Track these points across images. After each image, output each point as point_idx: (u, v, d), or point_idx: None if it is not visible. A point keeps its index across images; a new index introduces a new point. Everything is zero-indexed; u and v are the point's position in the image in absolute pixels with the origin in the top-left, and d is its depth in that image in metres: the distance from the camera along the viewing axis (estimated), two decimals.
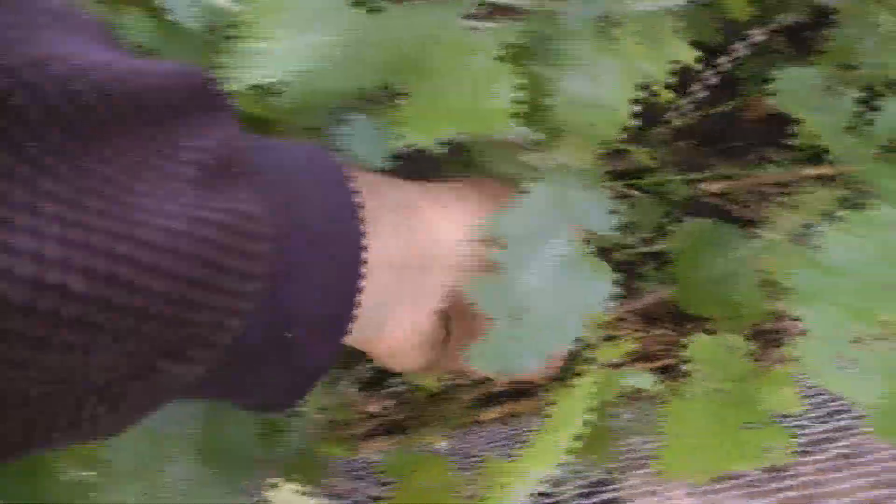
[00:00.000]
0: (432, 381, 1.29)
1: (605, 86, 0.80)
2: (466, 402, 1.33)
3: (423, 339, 0.71)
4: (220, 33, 0.76)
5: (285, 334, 0.50)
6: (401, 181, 0.69)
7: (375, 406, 1.34)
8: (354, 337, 0.59)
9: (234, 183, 0.44)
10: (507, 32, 0.74)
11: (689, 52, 0.84)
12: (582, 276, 0.77)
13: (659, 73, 0.82)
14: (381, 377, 1.35)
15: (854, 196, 1.00)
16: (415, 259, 0.63)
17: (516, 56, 0.75)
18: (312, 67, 0.72)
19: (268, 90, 0.74)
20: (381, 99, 0.77)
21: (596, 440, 0.97)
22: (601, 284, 0.77)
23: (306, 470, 1.02)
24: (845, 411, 1.19)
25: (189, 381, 0.45)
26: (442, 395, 1.35)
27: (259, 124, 0.95)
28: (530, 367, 0.76)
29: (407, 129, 0.75)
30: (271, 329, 0.49)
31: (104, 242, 0.34)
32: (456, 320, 0.75)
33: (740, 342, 0.95)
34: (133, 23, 0.78)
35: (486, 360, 0.74)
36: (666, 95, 0.85)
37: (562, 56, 0.79)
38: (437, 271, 0.67)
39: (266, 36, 0.73)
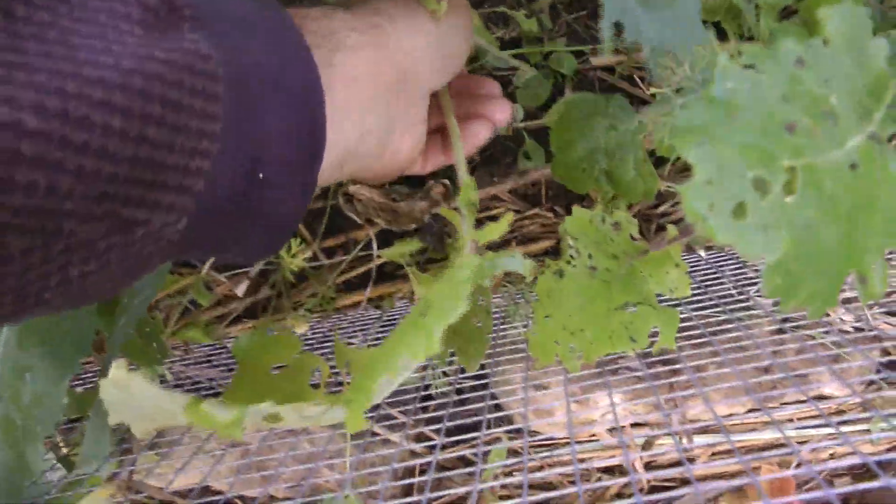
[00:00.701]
0: (297, 263, 1.18)
1: None
2: (333, 285, 1.22)
3: (421, 147, 0.68)
4: None
5: (259, 175, 0.47)
6: (341, 10, 0.61)
7: (239, 289, 1.22)
8: (354, 169, 0.60)
9: (180, 26, 0.43)
10: None
11: None
12: None
13: None
14: None
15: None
16: (390, 73, 0.59)
17: None
18: None
19: None
20: None
21: (468, 327, 0.87)
22: None
23: (144, 352, 0.91)
24: (735, 300, 1.13)
25: (172, 238, 0.44)
26: (307, 278, 1.24)
27: None
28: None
29: None
30: (242, 173, 0.47)
31: (52, 81, 0.34)
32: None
33: (624, 217, 0.86)
34: None
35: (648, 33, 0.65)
36: None
37: None
38: (417, 79, 0.63)
39: None
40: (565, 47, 1.22)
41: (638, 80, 1.23)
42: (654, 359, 1.08)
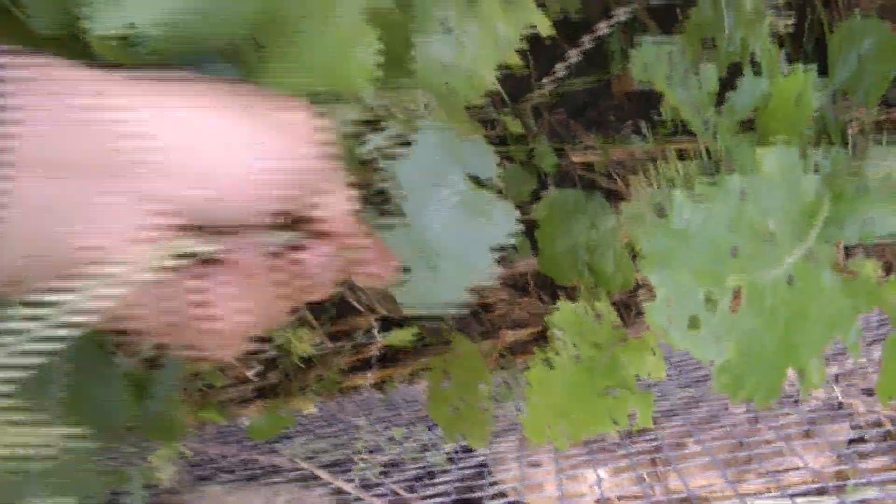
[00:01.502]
0: (305, 348, 1.26)
1: (466, 50, 0.78)
2: (338, 368, 1.30)
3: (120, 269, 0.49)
4: None
5: None
6: (90, 70, 0.49)
7: (250, 372, 1.30)
8: (27, 258, 0.46)
9: None
10: None
11: (544, 21, 0.82)
12: (482, 212, 0.76)
13: (514, 38, 0.80)
14: (257, 343, 1.32)
15: (714, 170, 1.01)
16: (97, 160, 0.47)
17: (377, 16, 0.73)
18: (176, 15, 0.68)
19: (131, 39, 0.69)
20: (247, 52, 0.74)
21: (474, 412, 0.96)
22: (504, 217, 0.75)
23: (167, 432, 0.98)
24: (705, 380, 1.21)
25: None
26: (314, 362, 1.32)
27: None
28: (454, 303, 0.74)
29: (272, 85, 0.72)
30: None
31: None
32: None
33: (606, 308, 0.95)
34: None
35: (412, 300, 0.72)
36: (516, 61, 0.84)
37: (421, 17, 0.77)
38: (141, 177, 0.49)
39: None
40: (546, 146, 1.32)
41: (615, 176, 1.33)
42: (637, 435, 1.15)
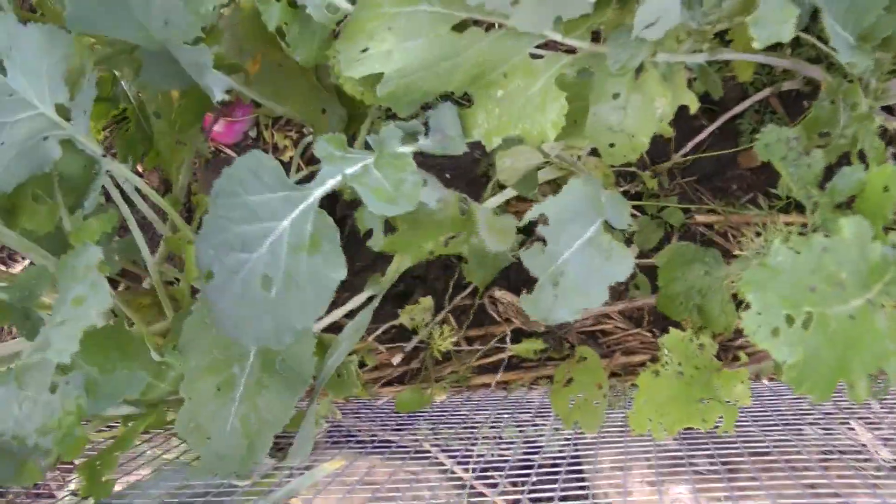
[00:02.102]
0: (445, 345, 1.48)
1: (629, 117, 0.99)
2: (470, 367, 1.52)
3: None
4: (339, 26, 0.95)
5: None
6: None
7: (395, 359, 1.52)
8: None
9: None
10: (563, 64, 0.93)
11: (693, 100, 1.02)
12: (606, 254, 0.96)
13: (669, 112, 1.01)
14: (405, 334, 1.55)
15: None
16: None
17: (564, 84, 0.94)
18: (411, 68, 0.91)
19: (372, 80, 0.93)
20: (461, 100, 0.97)
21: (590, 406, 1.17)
22: (622, 263, 0.95)
23: (340, 387, 1.20)
24: (785, 424, 1.37)
25: None
26: (450, 358, 1.54)
27: (358, 106, 1.15)
28: (565, 319, 0.95)
29: (476, 128, 0.95)
30: None
31: None
32: None
33: (708, 341, 1.14)
34: (273, 9, 0.97)
35: (535, 310, 0.93)
36: (667, 130, 1.03)
37: (598, 88, 0.98)
38: None
39: (377, 38, 0.92)
40: (676, 203, 1.52)
41: (731, 236, 1.52)
42: (718, 459, 1.32)
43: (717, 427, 1.03)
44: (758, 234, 1.50)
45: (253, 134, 1.75)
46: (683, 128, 1.54)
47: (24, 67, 0.94)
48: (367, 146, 0.95)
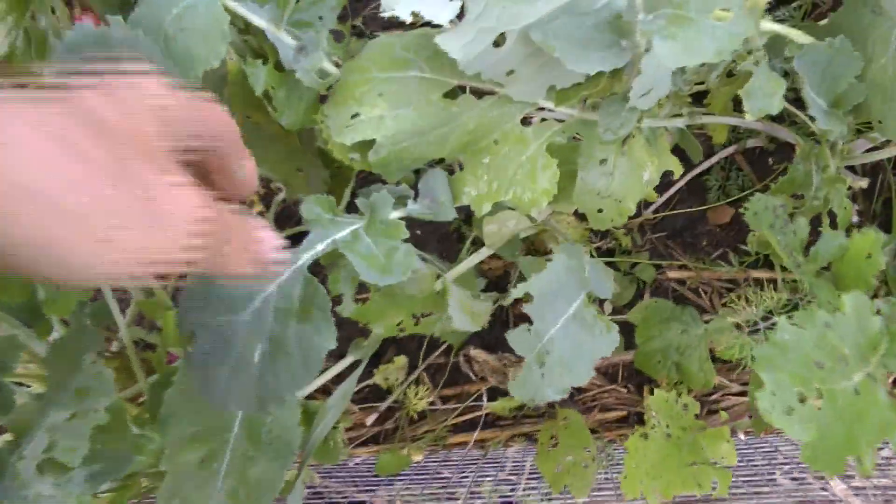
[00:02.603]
0: (420, 404, 1.47)
1: (617, 183, 0.99)
2: (446, 426, 1.50)
3: None
4: (328, 90, 0.94)
5: None
6: None
7: (370, 419, 1.50)
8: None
9: None
10: (554, 131, 0.93)
11: (677, 164, 1.04)
12: (591, 329, 0.96)
13: (655, 177, 1.01)
14: (378, 394, 1.53)
15: (793, 298, 1.21)
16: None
17: (554, 150, 0.94)
18: (403, 135, 0.90)
19: (362, 145, 0.92)
20: (453, 165, 0.96)
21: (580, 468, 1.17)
22: (607, 338, 0.96)
23: (326, 455, 1.18)
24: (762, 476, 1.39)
25: None
26: (426, 417, 1.52)
27: (343, 168, 1.14)
28: (552, 398, 0.94)
29: (465, 194, 0.94)
30: None
31: None
32: None
33: (690, 401, 1.14)
34: (259, 73, 0.96)
35: (522, 392, 0.93)
36: (652, 195, 1.04)
37: (586, 154, 0.98)
38: None
39: (367, 104, 0.91)
40: (648, 260, 1.53)
41: (702, 292, 1.53)
42: None
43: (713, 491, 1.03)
44: (729, 290, 1.52)
45: None
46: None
47: None
48: (352, 209, 0.94)
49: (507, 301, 0.96)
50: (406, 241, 0.88)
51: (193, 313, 0.83)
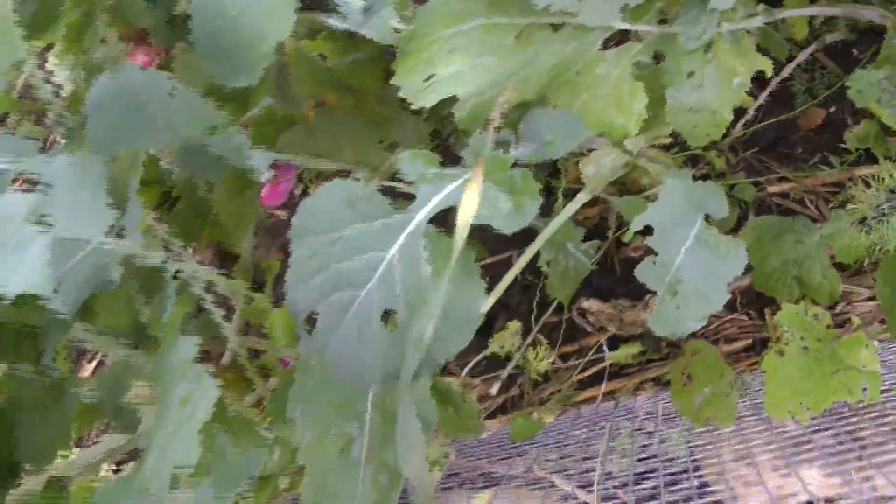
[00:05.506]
0: (542, 366, 1.46)
1: (708, 93, 0.97)
2: (574, 382, 1.50)
3: None
4: (398, 48, 0.93)
5: None
6: None
7: (493, 389, 1.50)
8: None
9: None
10: (635, 52, 0.91)
11: (766, 63, 1.01)
12: (717, 250, 0.94)
13: (747, 80, 0.99)
14: (496, 364, 1.53)
15: None
16: None
17: (639, 74, 0.93)
18: (484, 85, 0.90)
19: (444, 105, 0.92)
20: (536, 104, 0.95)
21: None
22: (736, 256, 0.93)
23: (463, 428, 1.18)
24: None
25: None
26: (549, 379, 1.52)
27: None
28: (692, 329, 0.92)
29: None
30: None
31: None
32: None
33: (820, 311, 1.12)
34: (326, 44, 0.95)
35: (661, 326, 0.91)
36: (747, 100, 1.02)
37: (671, 70, 0.97)
38: None
39: (440, 63, 0.90)
40: (745, 179, 1.50)
41: (807, 202, 1.50)
42: (845, 437, 1.29)
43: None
44: (834, 195, 1.48)
45: (299, 191, 1.74)
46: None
47: (66, 206, 0.90)
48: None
49: (628, 237, 0.94)
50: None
51: (308, 293, 0.82)
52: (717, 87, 0.96)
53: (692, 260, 0.93)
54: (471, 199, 0.77)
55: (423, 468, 0.96)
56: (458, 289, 0.79)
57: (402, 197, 0.82)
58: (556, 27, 0.91)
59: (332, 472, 1.00)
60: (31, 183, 0.85)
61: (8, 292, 0.73)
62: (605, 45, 0.92)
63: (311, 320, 0.83)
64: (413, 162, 0.85)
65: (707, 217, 0.96)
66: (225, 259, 1.63)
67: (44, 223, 0.80)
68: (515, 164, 0.86)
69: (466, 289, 0.79)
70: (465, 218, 0.77)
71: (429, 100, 0.90)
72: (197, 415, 0.77)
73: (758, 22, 1.05)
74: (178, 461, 0.76)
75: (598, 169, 1.06)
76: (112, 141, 0.92)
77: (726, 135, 1.52)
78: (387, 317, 0.81)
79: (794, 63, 1.49)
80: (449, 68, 0.90)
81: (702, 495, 1.50)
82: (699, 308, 0.92)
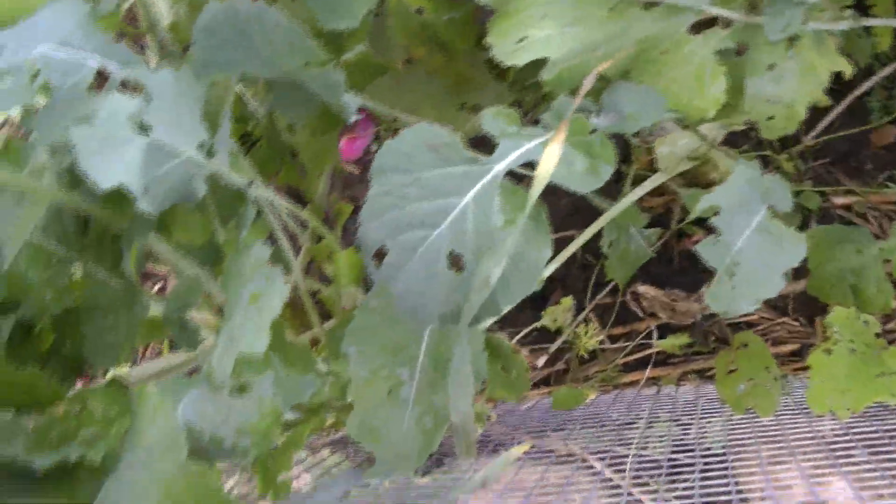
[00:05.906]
0: (591, 343, 1.50)
1: (786, 86, 0.99)
2: (619, 364, 1.53)
3: None
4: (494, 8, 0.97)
5: None
6: None
7: (539, 361, 1.54)
8: None
9: None
10: (721, 37, 0.94)
11: (846, 65, 1.03)
12: (778, 240, 0.97)
13: (825, 79, 1.01)
14: (545, 337, 1.56)
15: None
16: None
17: (722, 60, 0.96)
18: (574, 52, 0.93)
19: (528, 73, 0.95)
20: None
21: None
22: (794, 249, 0.96)
23: (511, 388, 1.22)
24: None
25: None
26: (595, 358, 1.55)
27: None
28: (746, 310, 0.96)
29: None
30: None
31: None
32: None
33: (871, 319, 1.14)
34: None
35: (716, 303, 0.95)
36: (823, 98, 1.04)
37: (753, 60, 0.99)
38: None
39: (534, 26, 0.94)
40: (811, 188, 1.52)
41: (870, 217, 1.51)
42: (881, 448, 1.30)
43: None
44: None
45: (374, 148, 1.78)
46: (810, 110, 1.54)
47: (164, 116, 0.94)
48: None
49: (693, 215, 0.97)
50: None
51: (380, 229, 0.85)
52: (796, 82, 0.99)
53: (752, 245, 0.96)
54: (552, 154, 0.81)
55: (470, 415, 1.00)
56: (527, 240, 0.82)
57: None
58: (648, 5, 0.94)
59: (379, 410, 1.04)
60: (133, 90, 0.90)
61: (103, 186, 0.77)
62: (692, 29, 0.96)
63: (378, 257, 0.87)
64: (496, 119, 0.89)
65: (771, 209, 0.99)
66: (297, 203, 1.67)
67: (142, 128, 0.85)
68: (594, 131, 0.90)
69: (535, 241, 0.83)
70: (544, 172, 0.81)
71: (521, 59, 0.94)
72: (270, 304, 0.81)
73: (843, 25, 1.07)
74: (247, 348, 0.79)
75: (673, 149, 1.09)
76: (214, 64, 0.97)
77: (798, 141, 1.54)
78: (453, 261, 0.85)
79: (875, 79, 1.51)
80: (541, 32, 0.94)
81: (736, 492, 1.52)
82: (754, 291, 0.95)
